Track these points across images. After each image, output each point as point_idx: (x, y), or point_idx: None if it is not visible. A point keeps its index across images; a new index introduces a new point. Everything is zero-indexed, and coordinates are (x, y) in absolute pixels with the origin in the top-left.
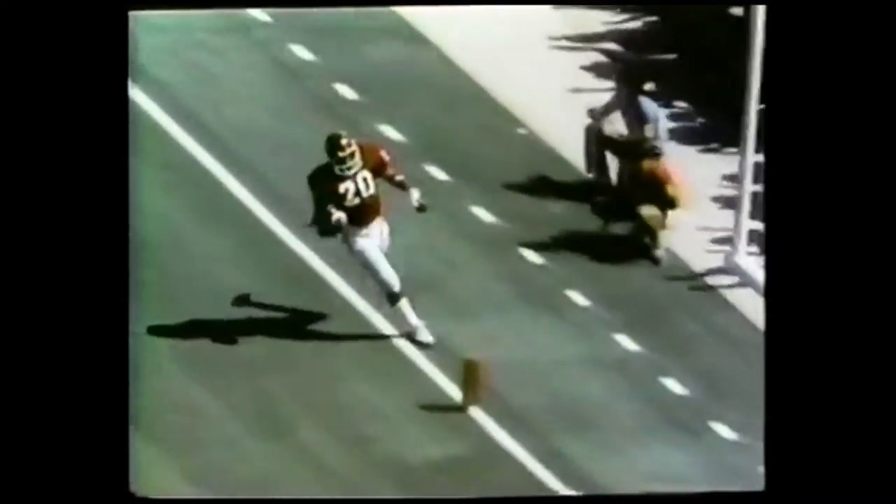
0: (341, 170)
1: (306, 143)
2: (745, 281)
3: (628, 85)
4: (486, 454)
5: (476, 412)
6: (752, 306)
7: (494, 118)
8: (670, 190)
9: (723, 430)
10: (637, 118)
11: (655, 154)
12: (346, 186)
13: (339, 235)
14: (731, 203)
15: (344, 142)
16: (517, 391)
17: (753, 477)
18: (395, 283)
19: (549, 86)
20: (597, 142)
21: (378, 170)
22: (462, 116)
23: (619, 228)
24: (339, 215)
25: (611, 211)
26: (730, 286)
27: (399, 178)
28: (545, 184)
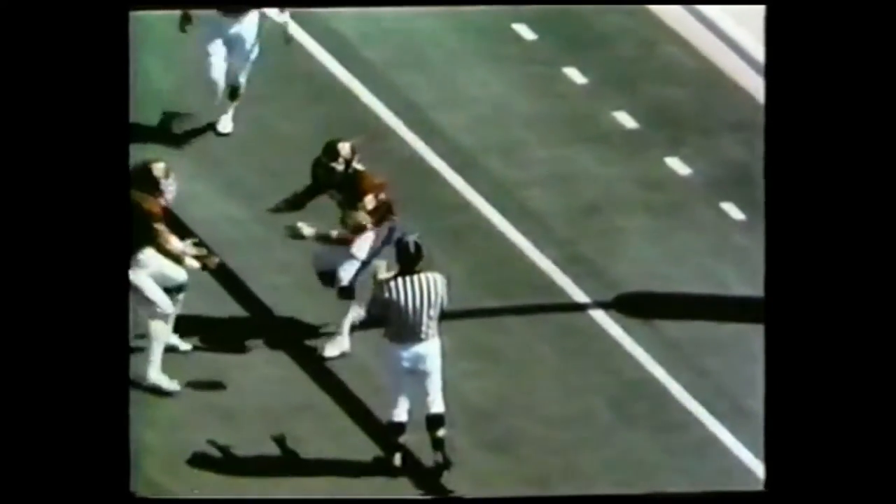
0: (318, 173)
1: None
2: None
3: None
4: None
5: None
6: None
7: None
8: None
9: None
10: None
11: None
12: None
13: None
14: None
15: (338, 147)
16: None
17: None
18: None
19: None
20: None
21: (358, 198)
22: None
23: None
24: (305, 231)
25: None
26: None
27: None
28: None
